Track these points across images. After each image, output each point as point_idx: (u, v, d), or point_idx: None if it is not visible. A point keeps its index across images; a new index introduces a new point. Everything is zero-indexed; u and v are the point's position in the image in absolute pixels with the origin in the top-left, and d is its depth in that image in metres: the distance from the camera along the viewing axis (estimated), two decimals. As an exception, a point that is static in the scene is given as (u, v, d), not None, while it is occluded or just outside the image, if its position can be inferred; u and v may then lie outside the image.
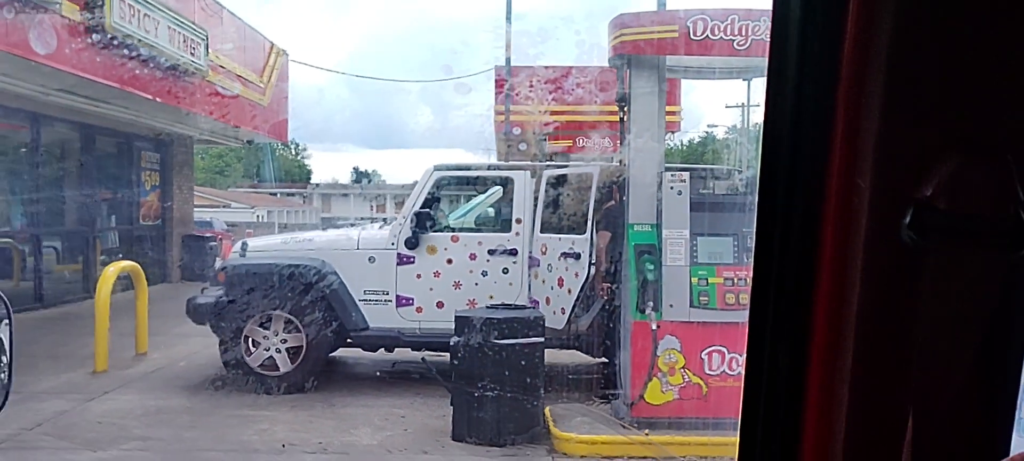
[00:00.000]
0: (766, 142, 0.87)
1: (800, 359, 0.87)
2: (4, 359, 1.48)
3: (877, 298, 0.82)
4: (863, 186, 0.81)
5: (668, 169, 6.49)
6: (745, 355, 0.91)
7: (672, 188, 6.23)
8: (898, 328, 0.82)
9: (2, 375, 1.39)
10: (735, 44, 6.32)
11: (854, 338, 0.83)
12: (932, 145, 0.79)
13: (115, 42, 10.41)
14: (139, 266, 9.25)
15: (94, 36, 10.07)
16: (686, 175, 6.31)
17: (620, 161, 7.52)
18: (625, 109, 6.90)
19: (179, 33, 12.09)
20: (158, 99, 12.01)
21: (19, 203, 13.08)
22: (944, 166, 0.78)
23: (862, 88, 0.81)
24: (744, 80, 12.80)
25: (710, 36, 6.28)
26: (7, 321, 1.40)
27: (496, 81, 16.35)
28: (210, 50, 12.99)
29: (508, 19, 16.22)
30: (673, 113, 15.22)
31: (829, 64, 0.83)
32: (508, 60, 16.09)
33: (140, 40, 10.91)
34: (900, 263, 0.80)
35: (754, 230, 0.88)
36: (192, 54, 12.48)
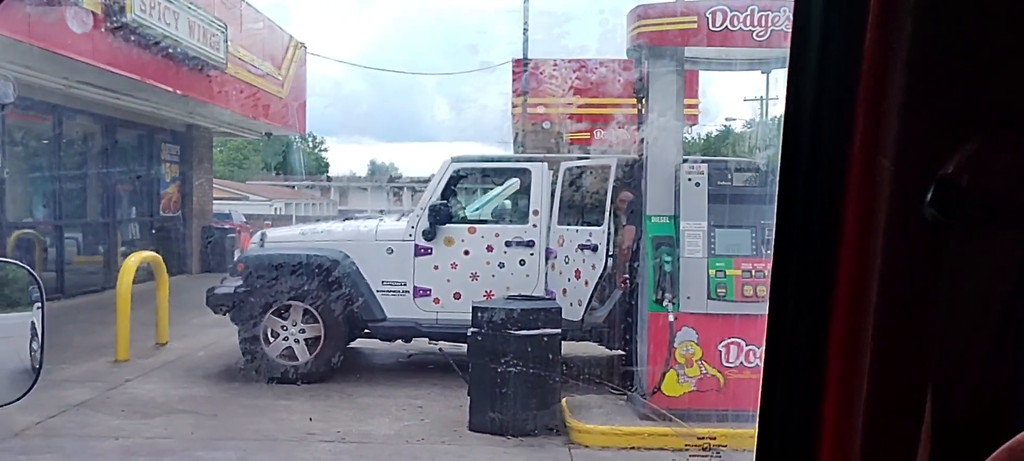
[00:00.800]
0: (788, 122, 0.87)
1: (821, 339, 0.88)
2: (36, 341, 1.51)
3: (899, 276, 0.82)
4: (886, 163, 0.81)
5: (686, 160, 6.47)
6: (765, 334, 0.92)
7: (690, 179, 6.21)
8: (919, 306, 0.82)
9: (35, 353, 1.42)
10: (755, 35, 6.29)
11: (875, 316, 0.84)
12: (955, 122, 0.79)
13: (136, 34, 10.50)
14: (160, 257, 9.34)
15: (115, 28, 10.17)
16: (704, 166, 6.29)
17: (639, 151, 7.51)
18: (643, 100, 6.89)
19: (199, 26, 12.17)
20: (178, 91, 12.10)
21: (41, 194, 13.24)
22: (967, 144, 0.78)
23: (885, 66, 0.81)
24: (763, 72, 12.74)
25: (729, 27, 6.25)
26: (40, 304, 1.43)
27: (513, 73, 16.33)
28: (229, 43, 13.08)
29: (525, 11, 16.19)
30: (692, 106, 15.15)
31: (852, 42, 0.83)
32: (526, 52, 16.07)
33: (160, 32, 11.00)
34: (922, 241, 0.81)
35: (775, 209, 0.88)
36: (212, 47, 12.57)
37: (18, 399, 1.45)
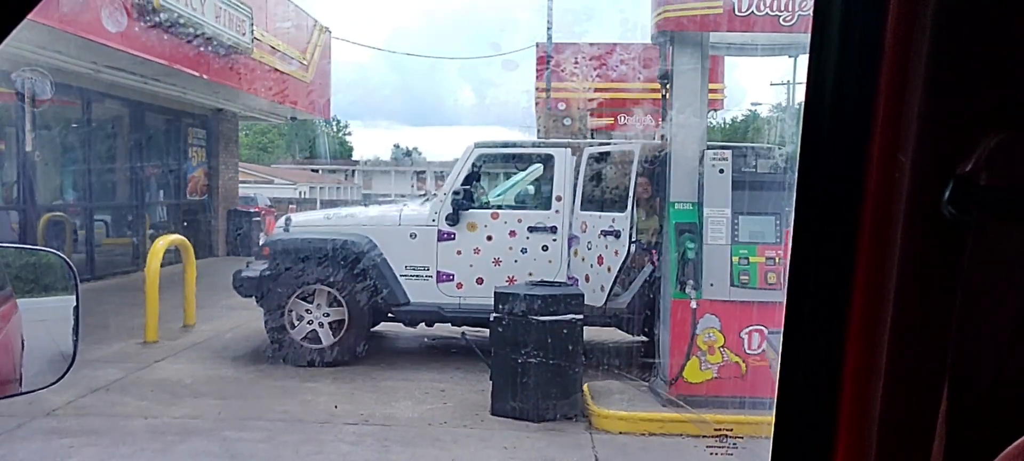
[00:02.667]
0: (807, 117, 0.88)
1: (838, 332, 0.89)
2: (70, 327, 1.56)
3: (916, 272, 0.83)
4: (904, 161, 0.82)
5: (710, 147, 6.44)
6: (783, 327, 0.93)
7: (714, 166, 6.18)
8: (937, 302, 0.83)
9: (74, 337, 1.46)
10: (781, 20, 6.24)
11: (892, 311, 0.85)
12: (973, 120, 0.80)
13: (163, 20, 10.61)
14: (187, 240, 9.46)
15: (142, 14, 10.28)
16: (728, 153, 6.26)
17: (662, 136, 7.48)
18: (667, 86, 6.86)
19: (225, 11, 12.26)
20: (204, 76, 12.21)
21: (71, 178, 13.44)
22: (985, 141, 0.79)
23: (904, 65, 0.82)
24: (790, 57, 12.59)
25: (755, 12, 6.20)
26: (75, 292, 1.47)
27: (538, 58, 16.29)
28: (255, 27, 13.16)
29: (549, -4, 16.11)
30: (716, 91, 15.04)
31: (872, 39, 0.84)
32: (550, 37, 16.02)
33: (187, 18, 11.10)
34: (940, 238, 0.81)
35: (793, 204, 0.89)
36: (237, 31, 12.66)
37: (54, 383, 1.49)
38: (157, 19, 10.48)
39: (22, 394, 1.56)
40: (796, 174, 0.89)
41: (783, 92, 26.13)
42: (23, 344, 1.71)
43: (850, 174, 0.86)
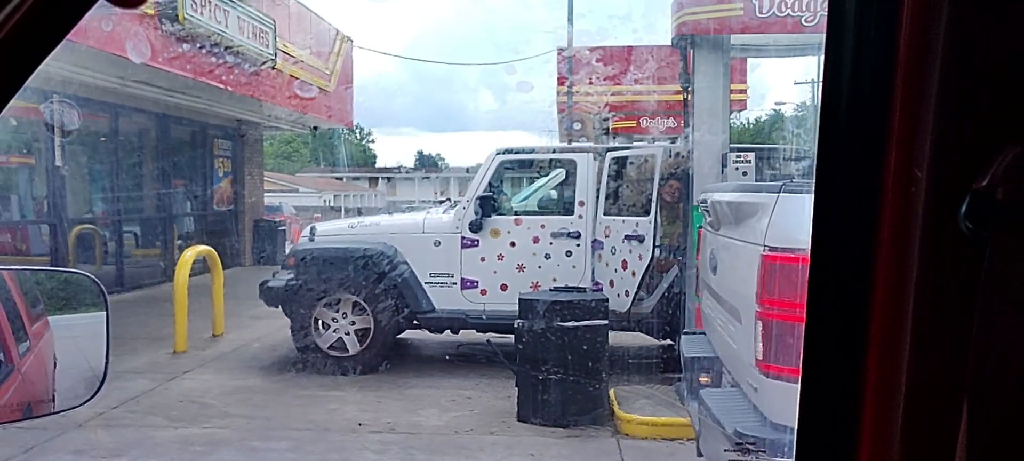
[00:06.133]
0: (822, 136, 0.88)
1: (858, 347, 0.89)
2: (101, 344, 1.59)
3: (935, 288, 0.83)
4: (920, 176, 0.82)
5: (733, 149, 6.42)
6: (803, 339, 0.93)
7: (737, 168, 6.16)
8: (955, 317, 0.83)
9: (105, 355, 1.49)
10: (802, 20, 6.21)
11: (912, 326, 0.85)
12: (990, 133, 0.80)
13: (188, 33, 10.75)
14: (214, 251, 9.57)
15: (168, 28, 10.42)
16: (751, 155, 6.23)
17: (684, 139, 7.45)
18: (689, 89, 6.84)
19: (248, 23, 12.40)
20: (229, 88, 12.36)
21: (100, 190, 13.65)
22: (1002, 154, 0.79)
23: (919, 78, 0.82)
24: (814, 56, 12.50)
25: (776, 13, 6.18)
26: (106, 312, 1.50)
27: (558, 63, 16.31)
28: (278, 38, 13.30)
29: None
30: (739, 91, 14.97)
31: (885, 54, 0.84)
32: (570, 42, 16.03)
33: (212, 31, 11.24)
34: (957, 253, 0.81)
35: (811, 220, 0.89)
36: (261, 43, 12.80)
37: (86, 401, 1.52)
38: (182, 33, 10.62)
39: (55, 413, 1.59)
40: (813, 194, 0.89)
41: (807, 90, 25.92)
42: (55, 362, 1.75)
43: (866, 190, 0.86)
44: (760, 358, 3.21)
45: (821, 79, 0.89)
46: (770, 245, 3.17)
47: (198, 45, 11.06)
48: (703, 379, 4.14)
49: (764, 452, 3.16)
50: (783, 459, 3.11)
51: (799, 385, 0.93)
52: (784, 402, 3.12)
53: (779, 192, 3.29)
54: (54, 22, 0.88)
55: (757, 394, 3.30)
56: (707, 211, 4.40)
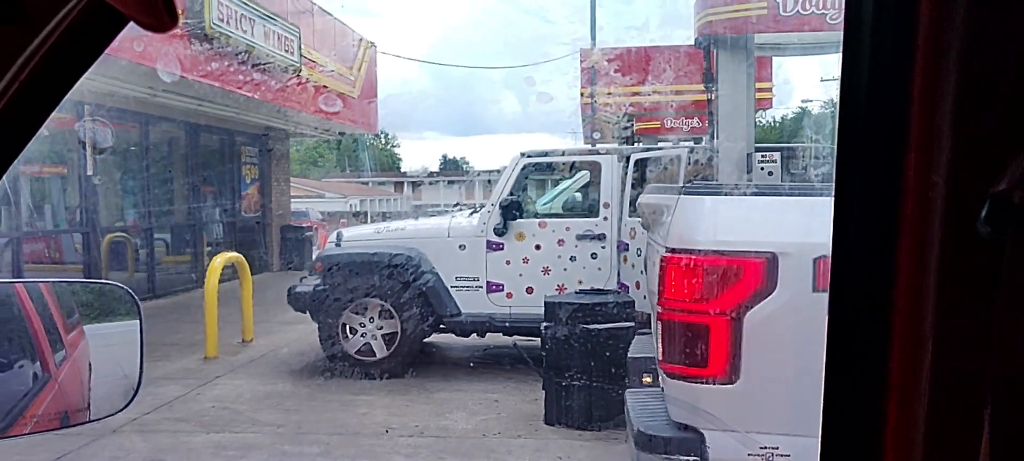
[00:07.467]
0: (841, 143, 0.89)
1: (879, 351, 0.89)
2: (135, 352, 1.62)
3: (955, 293, 0.83)
4: (938, 181, 0.82)
5: (758, 149, 6.38)
6: (826, 347, 0.94)
7: (763, 168, 6.12)
8: (976, 322, 0.83)
9: (139, 364, 1.53)
10: (828, 18, 6.16)
11: (933, 332, 0.85)
12: (1009, 138, 0.80)
13: (214, 42, 10.89)
14: (243, 257, 9.68)
15: (195, 37, 10.57)
16: (777, 155, 6.19)
17: (709, 139, 7.42)
18: (713, 90, 6.81)
19: (273, 31, 12.54)
20: (256, 96, 12.50)
21: (131, 199, 13.87)
22: (1021, 158, 0.79)
23: (935, 84, 0.82)
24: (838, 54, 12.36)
25: (800, 12, 6.14)
26: (139, 321, 1.53)
27: (581, 64, 16.30)
28: (302, 46, 13.42)
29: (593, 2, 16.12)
30: (764, 89, 14.86)
31: (902, 60, 0.84)
32: (594, 40, 16.02)
33: (238, 40, 11.38)
34: (977, 258, 0.82)
35: (831, 227, 0.90)
36: (286, 51, 12.93)
37: (122, 409, 1.56)
38: (209, 41, 10.76)
39: (91, 421, 1.63)
40: (833, 199, 0.90)
41: (834, 88, 25.58)
42: (91, 370, 1.79)
43: (885, 195, 0.86)
44: (661, 357, 3.24)
45: (839, 93, 0.90)
46: (668, 246, 3.19)
47: (225, 54, 11.20)
48: (646, 379, 4.17)
49: (664, 451, 3.19)
50: (685, 457, 3.14)
51: (822, 388, 0.94)
52: (682, 401, 3.15)
53: (679, 194, 3.33)
54: (85, 47, 0.91)
55: (664, 393, 3.34)
56: (641, 213, 4.46)
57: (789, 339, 2.84)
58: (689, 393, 3.08)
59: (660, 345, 3.25)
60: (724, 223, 3.09)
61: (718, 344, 2.91)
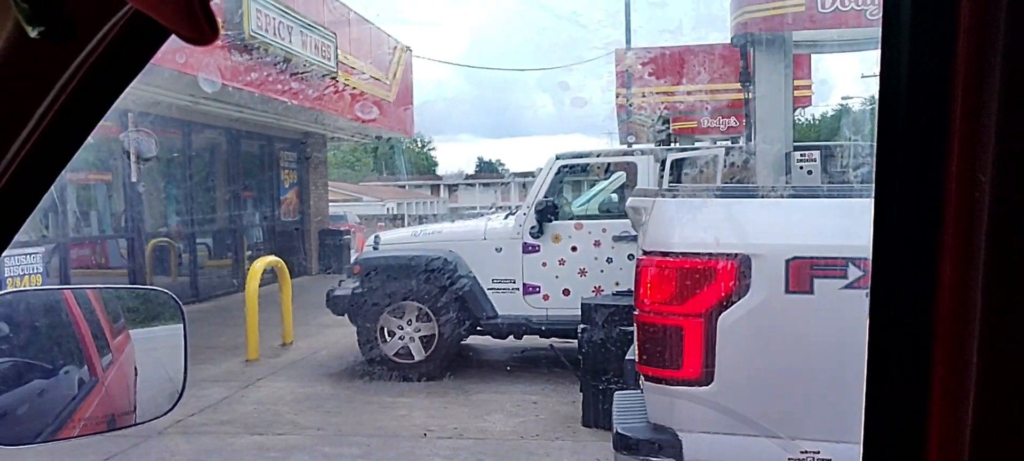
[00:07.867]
0: (881, 139, 0.88)
1: (923, 352, 0.88)
2: (179, 355, 1.66)
3: (1001, 294, 0.82)
4: (983, 180, 0.81)
5: (797, 147, 6.30)
6: (867, 349, 0.93)
7: (801, 167, 6.05)
8: (1021, 323, 0.81)
9: (184, 367, 1.56)
10: (867, 14, 6.06)
11: (979, 332, 0.83)
12: None
13: (253, 50, 11.06)
14: (282, 262, 9.80)
15: (235, 47, 10.74)
16: (816, 154, 6.11)
17: (747, 139, 7.35)
18: (750, 88, 6.74)
19: (310, 37, 12.69)
20: (294, 101, 12.66)
21: (174, 205, 14.13)
22: None
23: (979, 83, 0.81)
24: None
25: (839, 8, 6.05)
26: (183, 325, 1.56)
27: (616, 64, 16.23)
28: (339, 51, 13.57)
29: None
30: (803, 87, 14.68)
31: (944, 58, 0.83)
32: (628, 41, 15.95)
33: (277, 47, 11.53)
34: (1022, 258, 0.80)
35: (872, 227, 0.89)
36: (323, 57, 13.08)
37: (167, 412, 1.59)
38: (248, 49, 10.93)
39: (137, 424, 1.67)
40: (873, 199, 0.88)
41: (875, 84, 25.17)
42: (136, 374, 1.83)
43: (928, 197, 0.85)
44: (638, 360, 3.25)
45: (879, 81, 0.89)
46: (644, 249, 3.20)
47: (264, 62, 11.37)
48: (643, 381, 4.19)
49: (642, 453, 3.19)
50: (663, 459, 3.14)
51: (863, 390, 0.93)
52: (659, 403, 3.14)
53: (656, 197, 3.33)
54: (129, 60, 0.93)
55: (644, 394, 3.35)
56: (630, 216, 4.47)
57: (763, 340, 2.84)
58: (665, 395, 3.09)
59: (637, 347, 3.27)
60: (698, 225, 3.09)
61: (692, 346, 2.91)
